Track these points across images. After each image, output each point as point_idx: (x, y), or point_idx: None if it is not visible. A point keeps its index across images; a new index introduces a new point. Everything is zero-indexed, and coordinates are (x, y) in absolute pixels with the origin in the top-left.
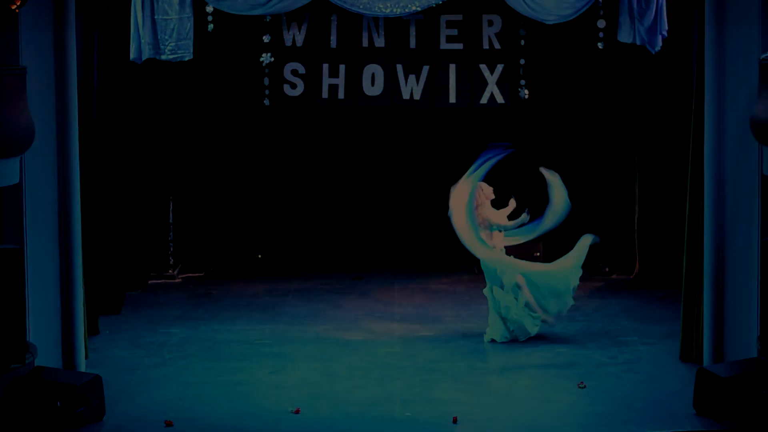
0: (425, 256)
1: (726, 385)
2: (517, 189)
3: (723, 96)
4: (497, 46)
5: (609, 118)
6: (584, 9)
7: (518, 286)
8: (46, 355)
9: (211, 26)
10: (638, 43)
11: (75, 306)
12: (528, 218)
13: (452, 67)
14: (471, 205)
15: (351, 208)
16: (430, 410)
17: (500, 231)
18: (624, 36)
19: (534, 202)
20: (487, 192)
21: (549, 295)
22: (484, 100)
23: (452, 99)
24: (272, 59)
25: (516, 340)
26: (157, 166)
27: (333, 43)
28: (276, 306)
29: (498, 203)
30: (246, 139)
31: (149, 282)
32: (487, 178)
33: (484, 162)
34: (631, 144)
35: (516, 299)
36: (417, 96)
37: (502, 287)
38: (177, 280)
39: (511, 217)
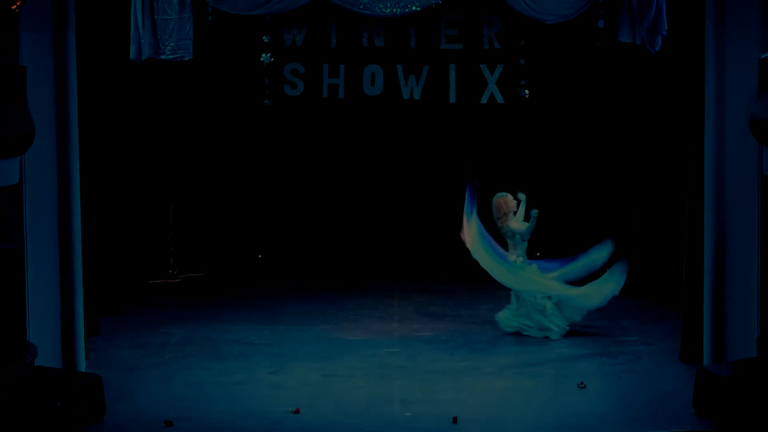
0: (425, 256)
1: (726, 385)
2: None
3: (723, 96)
4: (497, 46)
5: (609, 118)
6: (584, 9)
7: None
8: (46, 355)
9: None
10: (638, 43)
11: (75, 306)
12: (537, 212)
13: (452, 67)
14: (485, 240)
15: (351, 208)
16: (430, 410)
17: (523, 240)
18: (624, 36)
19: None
20: (512, 204)
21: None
22: (484, 100)
23: (452, 99)
24: (272, 59)
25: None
26: (157, 166)
27: (333, 43)
28: (276, 306)
29: None
30: (246, 140)
31: (149, 282)
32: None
33: (470, 198)
34: (631, 144)
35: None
36: (417, 96)
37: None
38: (177, 280)
39: (525, 218)
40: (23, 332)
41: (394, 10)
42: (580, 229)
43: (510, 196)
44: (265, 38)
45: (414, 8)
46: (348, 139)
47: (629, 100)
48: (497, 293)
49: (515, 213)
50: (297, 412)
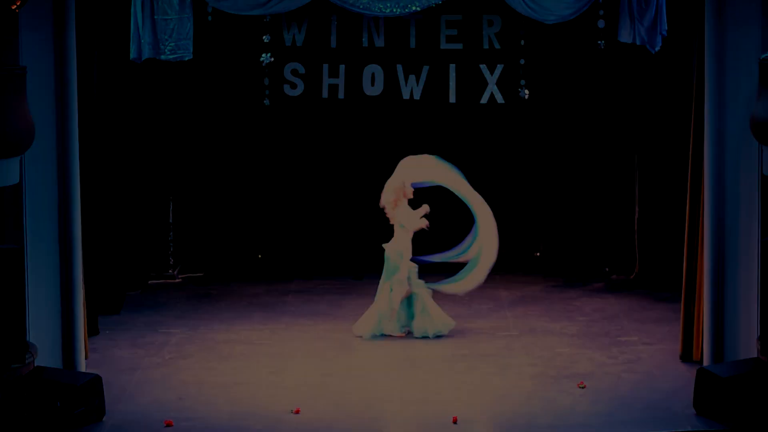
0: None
1: (726, 385)
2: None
3: (723, 96)
4: (497, 46)
5: (609, 118)
6: (584, 9)
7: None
8: (46, 355)
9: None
10: (638, 43)
11: (75, 306)
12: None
13: (452, 67)
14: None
15: (351, 208)
16: (430, 410)
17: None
18: (624, 36)
19: (535, 203)
20: (409, 193)
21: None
22: (484, 100)
23: (452, 99)
24: (272, 59)
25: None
26: (157, 166)
27: (333, 43)
28: (276, 306)
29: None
30: (246, 139)
31: (149, 282)
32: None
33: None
34: (631, 144)
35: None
36: (417, 96)
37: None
38: (177, 280)
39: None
40: (23, 332)
41: (394, 10)
42: (580, 229)
43: (409, 184)
44: (265, 38)
45: (414, 8)
46: (348, 139)
47: (629, 100)
48: (497, 293)
49: (409, 204)
50: (297, 412)
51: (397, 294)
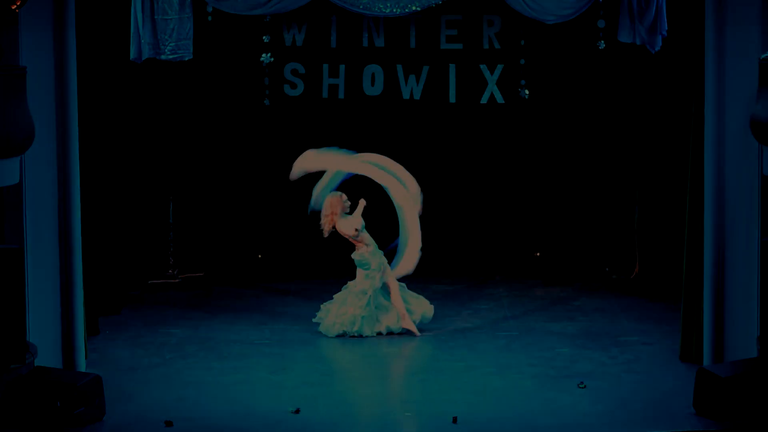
0: (425, 256)
1: (726, 385)
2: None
3: (723, 96)
4: (497, 46)
5: (609, 118)
6: (584, 9)
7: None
8: (46, 355)
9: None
10: (638, 43)
11: (75, 306)
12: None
13: (452, 67)
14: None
15: (351, 208)
16: (430, 410)
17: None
18: (624, 36)
19: (535, 202)
20: (344, 205)
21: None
22: (484, 100)
23: (452, 99)
24: (272, 59)
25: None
26: (157, 166)
27: (333, 43)
28: (276, 306)
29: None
30: (246, 139)
31: (149, 282)
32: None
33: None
34: (631, 144)
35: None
36: (417, 96)
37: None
38: (177, 280)
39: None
40: (23, 332)
41: (394, 10)
42: (580, 229)
43: (344, 196)
44: (265, 38)
45: (414, 8)
46: (347, 139)
47: (629, 100)
48: (497, 293)
49: (349, 213)
50: (297, 412)
51: (395, 292)
